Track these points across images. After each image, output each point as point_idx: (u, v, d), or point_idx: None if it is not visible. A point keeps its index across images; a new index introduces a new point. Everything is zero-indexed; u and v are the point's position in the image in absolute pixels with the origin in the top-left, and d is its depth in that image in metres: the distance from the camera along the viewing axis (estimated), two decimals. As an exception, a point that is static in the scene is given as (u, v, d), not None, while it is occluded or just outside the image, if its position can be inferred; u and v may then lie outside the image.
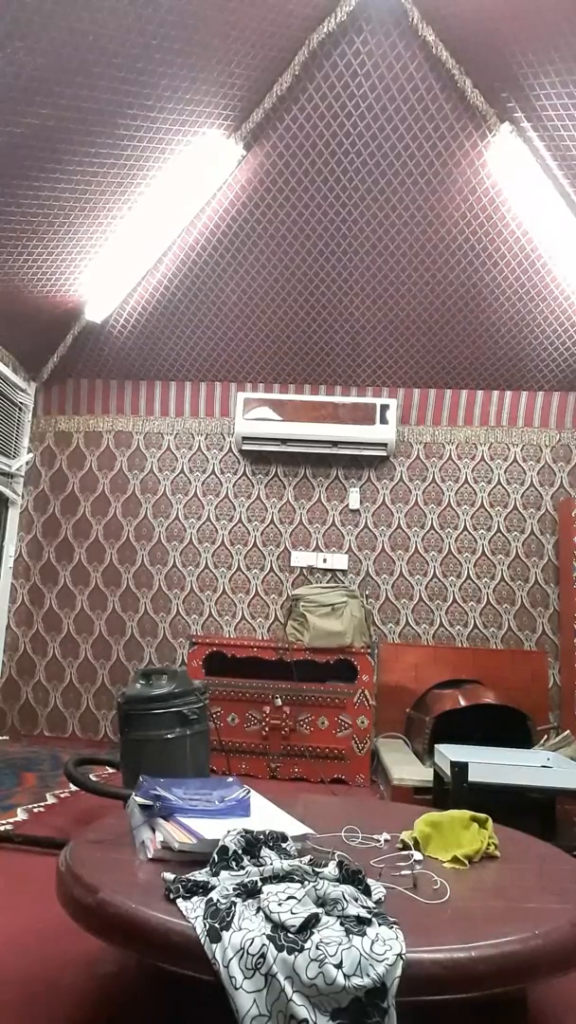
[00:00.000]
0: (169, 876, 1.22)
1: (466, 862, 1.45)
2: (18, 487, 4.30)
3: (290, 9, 2.88)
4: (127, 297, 3.91)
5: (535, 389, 4.13)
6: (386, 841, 1.53)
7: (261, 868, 1.22)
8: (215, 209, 3.56)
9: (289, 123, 3.28)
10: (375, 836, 1.54)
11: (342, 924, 1.06)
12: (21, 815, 2.51)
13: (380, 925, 1.06)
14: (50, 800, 2.74)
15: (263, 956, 1.00)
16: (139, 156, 3.12)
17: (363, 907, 1.11)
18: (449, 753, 2.46)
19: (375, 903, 1.16)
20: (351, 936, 1.03)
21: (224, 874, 1.21)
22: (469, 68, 3.07)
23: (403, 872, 1.34)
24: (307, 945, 1.01)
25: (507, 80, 2.98)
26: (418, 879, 1.31)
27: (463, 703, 3.25)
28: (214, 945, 1.04)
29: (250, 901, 1.13)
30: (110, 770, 3.09)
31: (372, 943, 1.02)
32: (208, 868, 1.25)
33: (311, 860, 1.28)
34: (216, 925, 1.07)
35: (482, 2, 2.80)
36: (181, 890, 1.17)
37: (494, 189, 3.36)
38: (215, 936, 1.05)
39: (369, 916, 1.08)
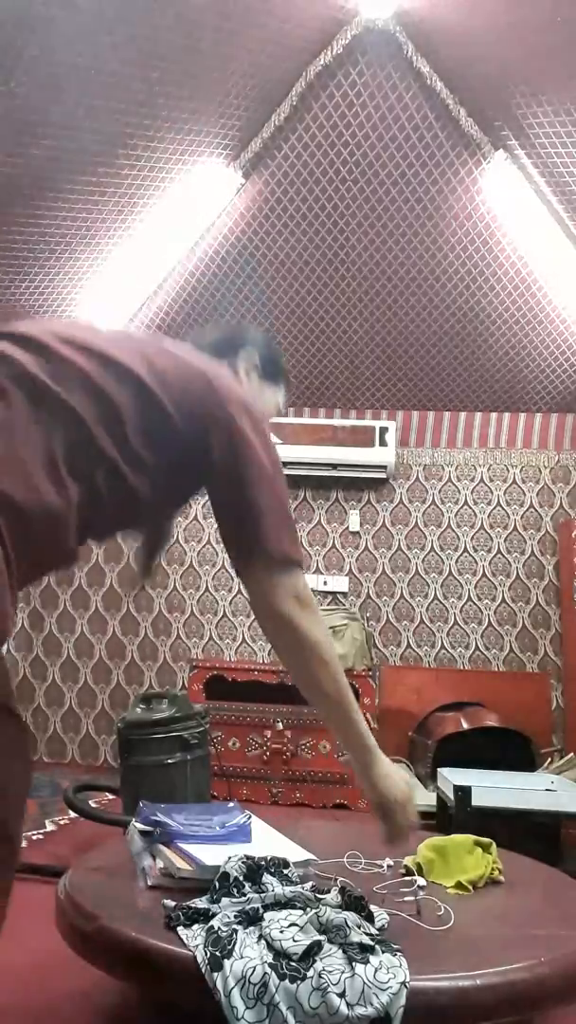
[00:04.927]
0: (170, 903, 1.20)
1: (470, 888, 1.44)
2: (19, 511, 4.30)
3: (287, 43, 2.95)
4: (128, 323, 3.94)
5: (533, 411, 4.15)
6: (389, 867, 1.51)
7: (263, 895, 1.20)
8: (215, 236, 3.61)
9: (287, 152, 3.33)
10: (378, 862, 1.52)
11: (345, 952, 1.04)
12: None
13: (384, 952, 1.05)
14: (49, 827, 2.71)
15: (265, 985, 0.99)
16: (139, 185, 3.17)
17: (366, 934, 1.10)
18: (452, 777, 2.44)
19: (378, 930, 1.14)
20: (354, 964, 1.01)
21: (225, 901, 1.20)
22: (463, 98, 3.13)
23: (406, 898, 1.32)
24: (309, 974, 0.99)
25: (500, 109, 3.04)
26: (422, 905, 1.30)
27: (466, 726, 3.23)
28: (215, 974, 1.03)
29: (251, 928, 1.11)
30: (110, 796, 3.06)
31: (376, 971, 1.00)
32: (209, 895, 1.23)
33: (313, 886, 1.27)
34: (217, 953, 1.05)
35: (475, 35, 2.86)
36: (182, 917, 1.16)
37: (489, 215, 3.41)
38: (216, 965, 1.04)
39: (372, 943, 1.07)
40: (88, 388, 1.01)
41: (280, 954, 1.03)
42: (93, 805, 2.75)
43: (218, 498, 1.15)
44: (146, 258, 3.58)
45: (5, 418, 0.93)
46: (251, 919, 1.13)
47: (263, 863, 1.30)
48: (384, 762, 1.22)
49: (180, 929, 1.13)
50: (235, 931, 1.10)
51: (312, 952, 1.03)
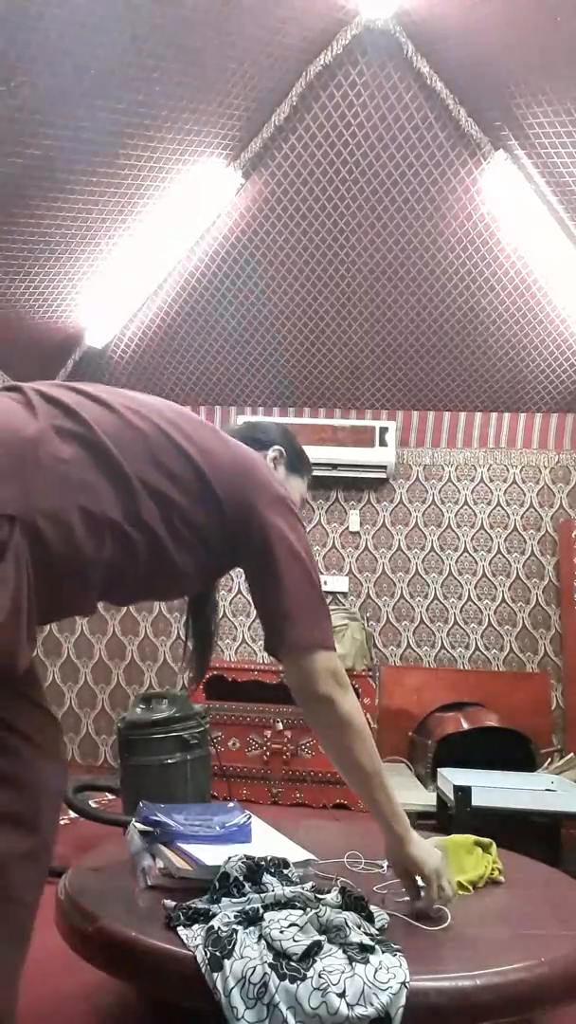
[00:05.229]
0: (170, 903, 1.20)
1: (470, 888, 1.44)
2: (19, 511, 4.30)
3: (287, 43, 2.95)
4: (128, 323, 3.95)
5: (533, 411, 4.15)
6: (389, 867, 1.51)
7: (263, 895, 1.20)
8: (214, 236, 3.61)
9: (287, 152, 3.33)
10: (378, 862, 1.52)
11: (345, 952, 1.04)
12: (20, 843, 2.48)
13: (383, 952, 1.05)
14: (49, 827, 2.70)
15: (265, 985, 0.99)
16: (139, 185, 3.17)
17: (366, 934, 1.10)
18: (452, 777, 2.44)
19: (378, 930, 1.14)
20: (354, 964, 1.01)
21: (225, 901, 1.20)
22: (463, 98, 3.13)
23: (406, 898, 1.32)
24: (309, 974, 0.99)
25: (500, 109, 3.03)
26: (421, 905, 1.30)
27: (465, 726, 3.23)
28: (215, 974, 1.03)
29: (251, 928, 1.11)
30: (110, 796, 3.06)
31: (376, 971, 1.00)
32: (209, 895, 1.23)
33: (313, 886, 1.27)
34: (217, 953, 1.05)
35: (475, 35, 2.86)
36: (182, 917, 1.16)
37: (489, 215, 3.41)
38: (216, 965, 1.04)
39: (372, 943, 1.07)
40: (146, 458, 1.07)
41: (280, 954, 1.03)
42: (93, 805, 2.75)
43: (251, 582, 1.23)
44: (146, 258, 3.58)
45: (60, 464, 0.98)
46: (251, 919, 1.13)
47: (263, 863, 1.30)
48: (415, 834, 1.26)
49: (180, 929, 1.13)
50: (235, 931, 1.10)
51: (312, 952, 1.03)
